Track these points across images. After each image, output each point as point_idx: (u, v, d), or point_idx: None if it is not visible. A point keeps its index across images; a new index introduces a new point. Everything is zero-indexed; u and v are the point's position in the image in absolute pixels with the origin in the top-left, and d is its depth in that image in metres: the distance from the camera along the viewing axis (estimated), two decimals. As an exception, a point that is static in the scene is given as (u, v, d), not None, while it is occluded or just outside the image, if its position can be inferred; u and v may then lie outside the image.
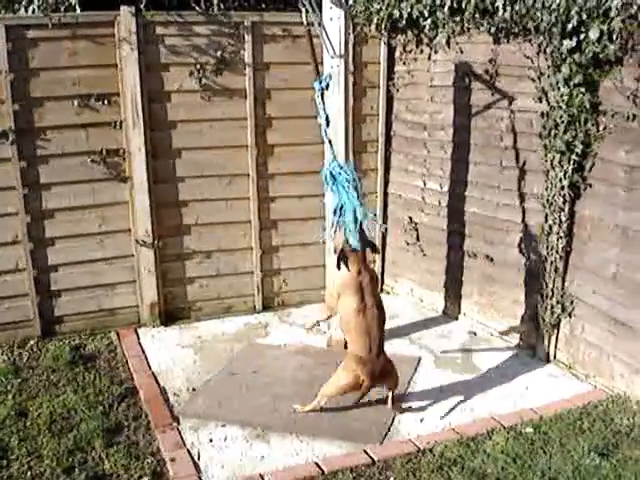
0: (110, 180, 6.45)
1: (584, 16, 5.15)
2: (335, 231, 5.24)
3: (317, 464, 4.71)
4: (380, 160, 7.41)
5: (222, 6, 6.51)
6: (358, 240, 5.06)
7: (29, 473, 4.60)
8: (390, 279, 7.81)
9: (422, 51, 6.82)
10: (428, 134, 7.00)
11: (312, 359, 6.18)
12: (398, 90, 7.19)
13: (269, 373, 5.98)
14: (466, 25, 6.25)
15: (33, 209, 6.25)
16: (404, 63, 7.05)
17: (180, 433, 5.09)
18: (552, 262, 5.93)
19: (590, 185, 5.60)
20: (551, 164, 5.73)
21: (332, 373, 5.29)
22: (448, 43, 6.47)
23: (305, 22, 5.24)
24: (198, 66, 6.43)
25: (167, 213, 6.71)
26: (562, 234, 5.81)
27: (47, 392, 5.62)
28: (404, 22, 6.66)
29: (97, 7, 6.19)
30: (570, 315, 5.94)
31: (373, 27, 6.89)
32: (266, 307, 7.28)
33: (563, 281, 5.94)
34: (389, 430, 5.18)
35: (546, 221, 5.90)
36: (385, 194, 7.55)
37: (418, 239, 7.35)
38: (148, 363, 6.16)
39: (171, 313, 6.98)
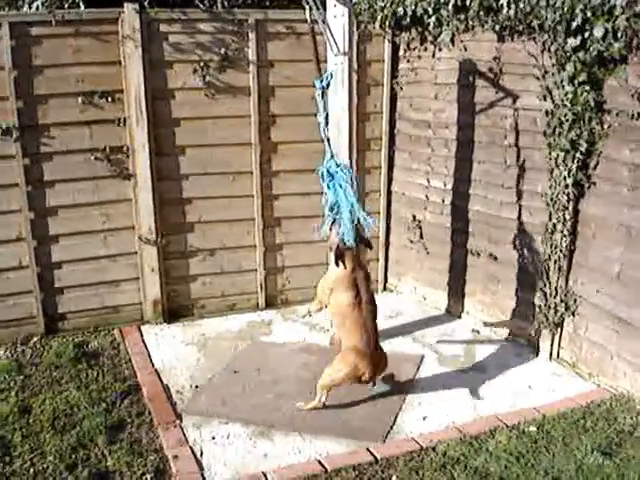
0: (114, 177, 6.45)
1: (589, 14, 5.14)
2: (330, 229, 5.31)
3: (320, 462, 4.71)
4: (384, 158, 7.39)
5: (226, 3, 6.50)
6: (354, 237, 5.16)
7: (32, 470, 4.61)
8: (393, 277, 7.81)
9: (426, 49, 6.81)
10: (432, 132, 6.99)
11: (315, 357, 6.17)
12: (402, 88, 7.18)
13: (272, 371, 5.98)
14: (470, 23, 6.23)
15: (37, 206, 6.26)
16: (408, 61, 7.04)
17: (183, 430, 5.10)
18: (556, 261, 5.91)
19: (594, 184, 5.59)
20: (555, 162, 5.72)
21: None
22: (452, 41, 6.46)
23: (309, 20, 5.24)
24: (202, 63, 6.43)
25: (171, 210, 6.72)
26: (566, 233, 5.80)
27: (50, 389, 5.63)
28: (408, 20, 6.65)
29: (101, 4, 6.19)
30: (574, 314, 5.93)
31: (377, 25, 6.87)
32: (269, 305, 7.28)
33: (567, 280, 5.94)
34: (392, 428, 5.17)
35: (550, 220, 5.89)
36: (389, 192, 7.54)
37: (422, 237, 7.34)
38: (151, 360, 6.17)
39: (174, 310, 6.98)
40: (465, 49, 6.43)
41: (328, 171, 5.26)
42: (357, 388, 5.56)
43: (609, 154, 5.42)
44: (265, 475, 4.58)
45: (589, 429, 5.03)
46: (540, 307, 6.14)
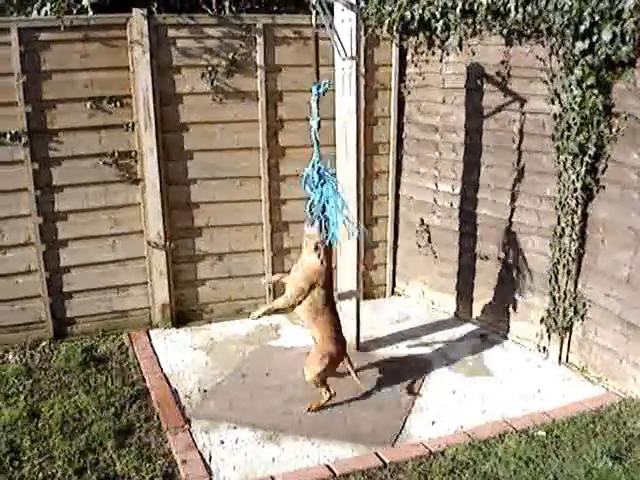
0: (122, 182, 6.47)
1: (597, 18, 5.13)
2: (311, 225, 5.43)
3: (328, 466, 4.71)
4: (392, 162, 7.39)
5: (234, 8, 6.52)
6: (332, 236, 5.38)
7: (41, 474, 4.62)
8: (401, 281, 7.80)
9: (434, 53, 6.81)
10: (440, 136, 6.99)
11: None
12: (410, 92, 7.18)
13: (280, 375, 5.98)
14: (478, 27, 6.23)
15: (45, 211, 6.28)
16: (416, 65, 7.04)
17: (191, 435, 5.10)
18: (565, 265, 5.90)
19: (603, 187, 5.58)
20: (564, 166, 5.71)
21: (343, 374, 5.43)
22: (460, 45, 6.45)
23: (314, 25, 5.24)
24: (210, 68, 6.44)
25: (179, 215, 6.73)
26: (575, 236, 5.78)
27: (59, 393, 5.64)
28: (416, 24, 6.64)
29: (109, 10, 6.21)
30: (583, 318, 5.92)
31: (385, 29, 6.87)
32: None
33: (576, 284, 5.92)
34: (400, 433, 5.17)
35: (559, 223, 5.88)
36: (397, 196, 7.53)
37: (430, 241, 7.33)
38: (160, 365, 6.17)
39: (183, 315, 6.99)
40: (473, 53, 6.42)
41: (318, 173, 5.33)
42: (366, 392, 5.58)
43: (618, 158, 5.41)
44: (273, 479, 4.58)
45: (598, 433, 5.01)
46: (549, 311, 6.12)
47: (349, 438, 5.08)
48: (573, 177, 5.64)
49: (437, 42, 6.71)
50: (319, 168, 5.33)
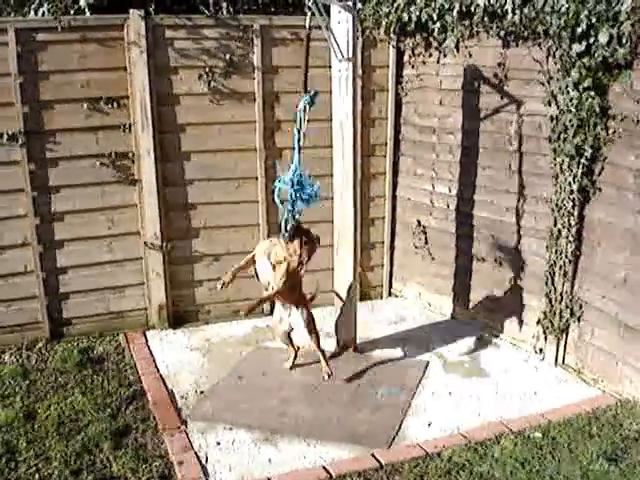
0: (119, 183, 6.47)
1: (593, 20, 5.14)
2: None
3: (325, 468, 4.70)
4: (389, 164, 7.40)
5: (231, 10, 6.52)
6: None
7: (37, 475, 4.61)
8: (398, 282, 7.80)
9: (431, 55, 6.81)
10: (437, 138, 6.99)
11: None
12: (407, 94, 7.19)
13: (277, 376, 5.98)
14: (475, 29, 6.24)
15: (42, 211, 6.27)
16: (413, 67, 7.05)
17: (188, 436, 5.10)
18: (561, 266, 5.91)
19: (599, 189, 5.59)
20: (560, 168, 5.72)
21: (340, 375, 5.48)
22: (457, 47, 6.46)
23: (307, 26, 5.18)
24: (207, 69, 6.44)
25: (176, 216, 6.72)
26: (571, 238, 5.79)
27: (55, 394, 5.63)
28: (413, 26, 6.66)
29: (106, 10, 6.21)
30: (579, 319, 5.93)
31: (382, 31, 6.88)
32: (274, 310, 7.25)
33: (572, 285, 5.93)
34: (397, 434, 5.16)
35: (555, 225, 5.89)
36: (394, 197, 7.54)
37: (426, 243, 7.34)
38: (156, 366, 6.17)
39: (179, 316, 6.99)
40: (470, 55, 6.43)
41: (299, 179, 5.22)
42: (363, 394, 5.57)
43: (614, 160, 5.42)
44: (270, 481, 4.59)
45: (595, 435, 5.01)
46: (545, 313, 6.13)
47: (345, 439, 5.07)
48: (570, 179, 5.65)
49: (434, 44, 6.71)
50: (300, 174, 5.23)
